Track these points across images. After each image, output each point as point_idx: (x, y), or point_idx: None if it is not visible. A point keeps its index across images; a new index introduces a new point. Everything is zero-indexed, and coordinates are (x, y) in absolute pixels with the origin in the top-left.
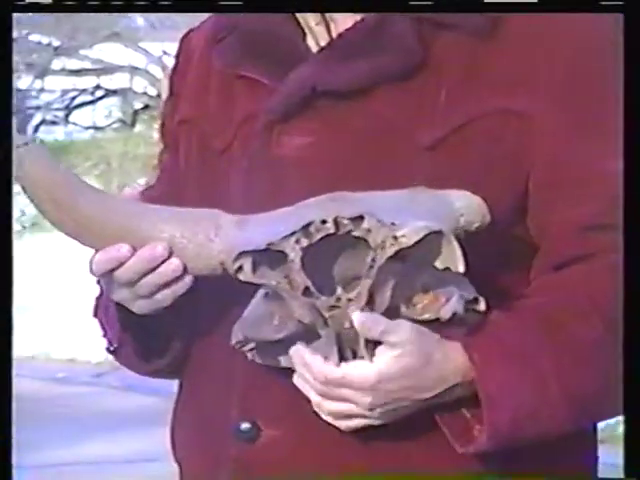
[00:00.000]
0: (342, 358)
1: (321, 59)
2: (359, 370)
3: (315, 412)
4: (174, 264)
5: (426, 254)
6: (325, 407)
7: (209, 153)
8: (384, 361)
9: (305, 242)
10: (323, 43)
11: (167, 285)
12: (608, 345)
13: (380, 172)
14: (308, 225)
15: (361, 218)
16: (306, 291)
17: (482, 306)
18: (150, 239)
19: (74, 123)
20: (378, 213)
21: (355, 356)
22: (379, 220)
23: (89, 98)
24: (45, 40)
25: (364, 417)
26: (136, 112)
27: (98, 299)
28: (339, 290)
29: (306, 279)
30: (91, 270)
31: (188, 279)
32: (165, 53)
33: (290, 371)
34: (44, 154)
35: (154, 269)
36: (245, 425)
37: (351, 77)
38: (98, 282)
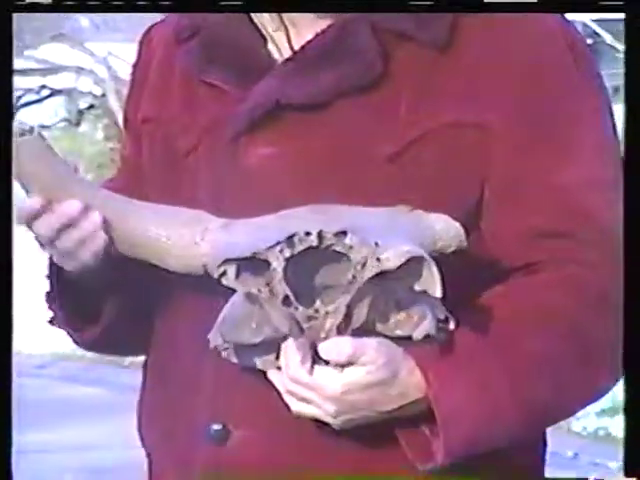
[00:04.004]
0: (314, 364)
1: (285, 71)
2: (328, 379)
3: (285, 413)
4: (93, 217)
5: (406, 276)
6: (292, 406)
7: (173, 154)
8: (353, 374)
9: (288, 252)
10: (284, 49)
11: (84, 242)
12: (563, 353)
13: (342, 184)
14: (292, 236)
15: (344, 234)
16: (285, 300)
17: (452, 325)
18: (137, 236)
19: (20, 122)
20: (361, 230)
21: (328, 364)
22: (362, 238)
23: (35, 97)
24: None
25: (326, 421)
26: (81, 111)
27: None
28: (318, 302)
29: (286, 288)
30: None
31: (101, 236)
32: (110, 54)
33: (261, 372)
34: (41, 146)
35: (74, 225)
36: (215, 427)
37: (313, 90)
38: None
